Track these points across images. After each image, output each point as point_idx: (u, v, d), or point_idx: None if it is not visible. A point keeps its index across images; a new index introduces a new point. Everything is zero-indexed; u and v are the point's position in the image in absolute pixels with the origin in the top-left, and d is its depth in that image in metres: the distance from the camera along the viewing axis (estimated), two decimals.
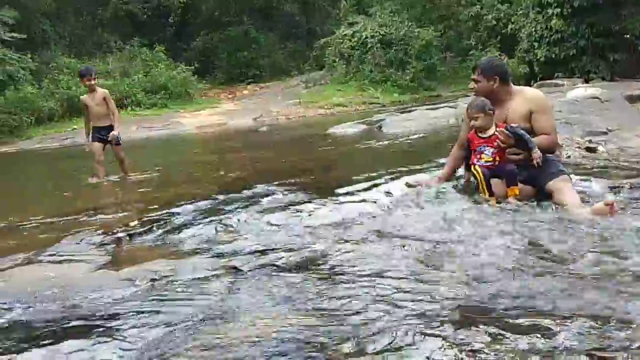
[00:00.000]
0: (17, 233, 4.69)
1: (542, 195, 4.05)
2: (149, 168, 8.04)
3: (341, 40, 22.42)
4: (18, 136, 16.80)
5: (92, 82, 7.25)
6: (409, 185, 4.68)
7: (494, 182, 4.05)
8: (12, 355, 2.21)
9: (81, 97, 7.61)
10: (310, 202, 4.51)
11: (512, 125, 4.03)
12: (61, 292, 2.91)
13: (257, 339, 2.11)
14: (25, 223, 5.04)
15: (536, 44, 17.14)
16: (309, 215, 4.14)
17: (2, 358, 2.19)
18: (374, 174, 5.37)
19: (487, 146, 4.08)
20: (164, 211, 4.64)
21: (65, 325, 2.48)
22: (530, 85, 12.01)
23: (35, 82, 18.58)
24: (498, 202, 3.94)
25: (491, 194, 4.01)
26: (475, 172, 4.08)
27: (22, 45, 19.02)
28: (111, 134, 7.26)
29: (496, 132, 4.04)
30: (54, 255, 3.70)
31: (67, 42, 23.29)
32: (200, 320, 2.40)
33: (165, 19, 27.04)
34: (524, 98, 4.21)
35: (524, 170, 4.07)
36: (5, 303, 2.80)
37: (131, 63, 21.94)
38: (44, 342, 2.30)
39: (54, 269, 3.39)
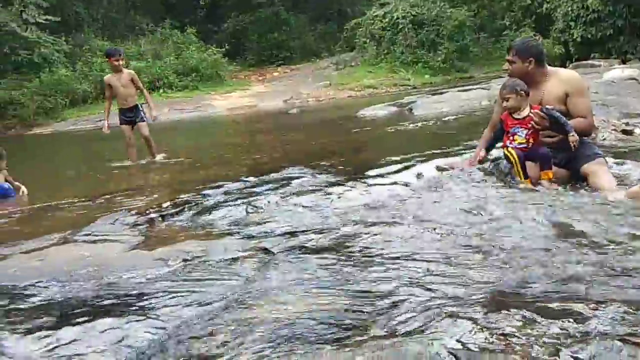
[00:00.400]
0: (54, 213, 4.80)
1: (577, 178, 3.99)
2: (181, 150, 8.13)
3: (372, 21, 22.22)
4: (53, 118, 17.13)
5: (120, 62, 7.28)
6: (440, 169, 4.64)
7: (528, 165, 3.99)
8: (49, 332, 2.27)
9: (105, 77, 7.65)
10: (340, 184, 4.51)
11: (548, 107, 3.96)
12: (96, 271, 2.97)
13: (287, 319, 2.12)
14: (61, 203, 5.15)
15: (572, 24, 16.77)
16: (339, 197, 4.14)
17: (40, 334, 2.25)
18: (405, 157, 5.34)
19: (521, 127, 4.01)
20: (196, 193, 4.69)
21: (99, 304, 2.54)
22: (565, 66, 11.77)
23: (69, 64, 18.85)
24: (532, 185, 3.89)
25: (526, 176, 3.96)
26: (509, 154, 4.01)
27: (56, 28, 19.28)
28: (152, 116, 7.33)
29: (531, 114, 3.97)
30: (89, 235, 3.78)
31: (100, 25, 23.52)
32: (231, 300, 2.42)
33: (197, 1, 27.11)
34: (560, 80, 4.12)
35: (558, 153, 4.01)
36: (42, 281, 2.87)
37: (163, 45, 22.10)
38: (80, 320, 2.35)
39: (89, 248, 3.45)
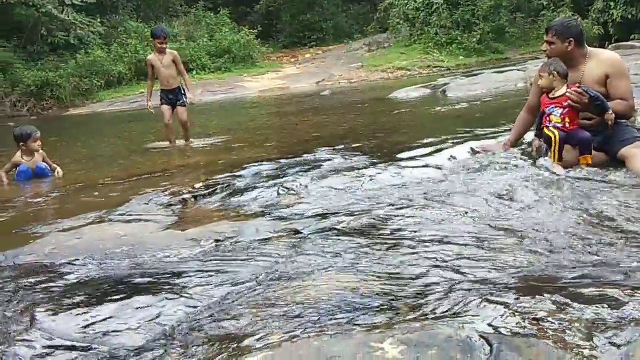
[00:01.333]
0: (90, 193, 4.89)
1: (615, 162, 3.90)
2: (213, 132, 8.19)
3: (406, 2, 21.93)
4: (89, 99, 17.38)
5: (164, 44, 7.29)
6: (474, 152, 4.59)
7: (566, 148, 3.93)
8: (85, 309, 2.32)
9: (148, 57, 7.68)
10: (372, 166, 4.50)
11: (585, 86, 3.89)
12: (130, 250, 3.03)
13: (318, 300, 2.14)
14: (97, 183, 5.25)
15: (612, 4, 16.32)
16: (371, 179, 4.13)
17: (76, 311, 2.31)
18: (437, 139, 5.30)
19: (556, 107, 3.95)
20: (228, 174, 4.73)
21: (134, 282, 2.58)
22: (605, 48, 11.48)
23: (104, 46, 19.07)
24: (567, 169, 3.82)
25: (560, 159, 3.89)
26: (550, 134, 3.94)
27: (92, 10, 19.50)
28: (189, 99, 7.37)
29: (568, 93, 3.89)
30: (124, 214, 3.84)
31: (135, 7, 23.70)
32: (263, 280, 2.45)
33: None
34: (600, 61, 4.03)
35: (595, 135, 3.93)
36: (78, 260, 2.94)
37: (196, 27, 22.20)
38: (115, 298, 2.40)
39: (124, 228, 3.52)
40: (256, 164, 5.05)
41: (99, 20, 19.59)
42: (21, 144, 5.71)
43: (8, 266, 2.95)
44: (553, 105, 3.97)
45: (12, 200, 4.90)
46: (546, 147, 4.04)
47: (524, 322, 1.80)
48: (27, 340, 2.09)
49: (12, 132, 6.10)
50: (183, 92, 7.37)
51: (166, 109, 7.35)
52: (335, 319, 1.98)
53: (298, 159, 5.10)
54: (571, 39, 4.03)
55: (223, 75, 19.39)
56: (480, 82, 10.95)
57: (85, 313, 2.28)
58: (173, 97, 7.34)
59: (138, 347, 1.99)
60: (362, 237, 2.95)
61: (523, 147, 4.47)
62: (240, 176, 4.62)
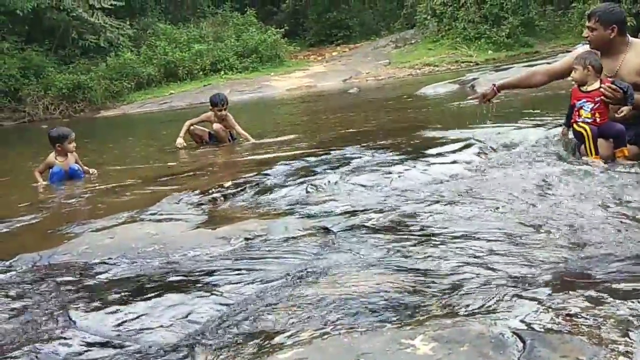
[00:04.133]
0: (122, 193, 4.96)
1: None
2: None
3: None
4: (120, 101, 17.63)
5: (223, 112, 7.22)
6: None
7: (599, 142, 3.86)
8: (119, 307, 2.35)
9: (215, 126, 7.37)
10: (400, 163, 4.47)
11: (619, 81, 3.81)
12: (162, 249, 3.06)
13: (347, 297, 2.14)
14: (128, 183, 5.32)
15: None
16: (399, 176, 4.11)
17: (109, 309, 2.34)
18: (466, 135, 5.24)
19: (587, 102, 3.88)
20: (256, 173, 4.75)
21: (166, 280, 2.61)
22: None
23: (134, 48, 19.32)
24: (604, 163, 3.76)
25: (597, 153, 3.83)
26: (582, 129, 3.87)
27: (121, 13, 19.78)
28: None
29: (602, 89, 3.82)
30: (155, 214, 3.89)
31: (163, 8, 23.96)
32: (292, 278, 2.45)
33: None
34: None
35: (628, 129, 3.85)
36: (111, 259, 2.98)
37: (223, 27, 22.34)
38: (147, 296, 2.43)
39: (155, 227, 3.56)
40: (284, 162, 5.06)
41: (127, 22, 19.85)
42: (57, 144, 5.81)
43: (43, 266, 3.01)
44: (584, 99, 3.89)
45: (45, 201, 4.99)
46: (577, 142, 3.98)
47: (558, 318, 1.77)
48: (63, 338, 2.13)
49: (46, 134, 6.21)
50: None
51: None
52: (365, 315, 1.98)
53: (326, 157, 5.10)
54: (614, 26, 3.92)
55: (250, 75, 19.48)
56: (509, 76, 10.79)
57: (118, 311, 2.32)
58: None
59: (170, 344, 2.02)
60: (391, 233, 2.94)
61: (554, 140, 4.40)
62: (268, 174, 4.64)
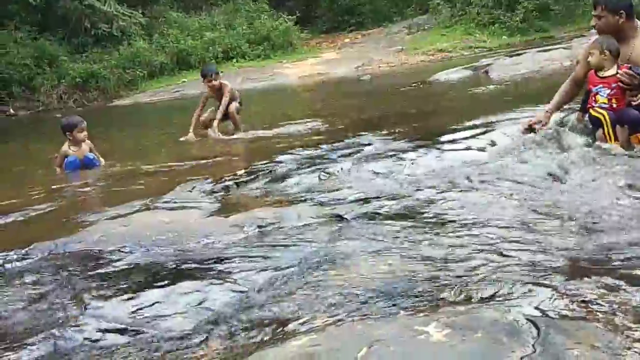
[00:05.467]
0: (136, 181, 4.99)
1: None
2: (254, 119, 8.23)
3: None
4: (132, 89, 17.66)
5: (213, 82, 7.23)
6: (526, 129, 4.41)
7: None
8: (134, 294, 2.37)
9: (204, 93, 7.49)
10: (413, 150, 4.45)
11: (636, 67, 3.76)
12: (176, 237, 3.08)
13: (360, 285, 2.14)
14: (143, 172, 5.35)
15: None
16: (412, 163, 4.10)
17: (125, 297, 2.36)
18: (479, 121, 5.21)
19: (604, 87, 3.84)
20: (269, 160, 4.75)
21: (180, 268, 2.63)
22: None
23: (146, 37, 19.32)
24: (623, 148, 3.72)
25: (616, 138, 3.79)
26: (599, 115, 3.83)
27: (133, 1, 19.76)
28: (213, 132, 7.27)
29: (619, 74, 3.77)
30: (169, 202, 3.90)
31: None
32: (306, 265, 2.46)
33: None
34: None
35: None
36: (126, 247, 3.00)
37: (235, 15, 22.27)
38: (162, 283, 2.45)
39: (169, 215, 3.57)
40: (297, 150, 5.05)
41: (140, 11, 19.83)
42: (67, 134, 5.83)
43: (59, 254, 3.03)
44: (601, 85, 3.86)
45: (60, 189, 5.03)
46: (594, 127, 3.94)
47: (572, 304, 1.76)
48: (79, 325, 2.15)
49: (59, 123, 6.23)
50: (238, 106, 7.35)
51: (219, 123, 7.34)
52: (379, 302, 1.98)
53: (338, 144, 5.09)
54: (621, 11, 3.87)
55: (262, 62, 19.42)
56: (524, 61, 10.69)
57: (133, 298, 2.34)
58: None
59: (185, 331, 2.03)
60: (404, 221, 2.93)
61: (570, 126, 4.35)
62: (281, 162, 4.64)
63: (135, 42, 18.52)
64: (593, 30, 4.53)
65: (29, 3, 16.78)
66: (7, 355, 1.99)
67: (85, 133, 5.88)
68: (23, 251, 3.09)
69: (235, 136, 7.30)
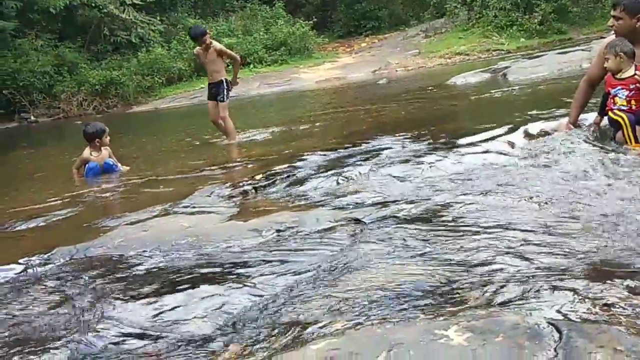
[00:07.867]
0: (155, 186, 5.03)
1: None
2: (272, 123, 8.25)
3: None
4: (151, 96, 17.82)
5: (206, 42, 7.41)
6: (544, 134, 4.40)
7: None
8: (154, 298, 2.39)
9: (195, 49, 7.85)
10: (431, 153, 4.44)
11: None
12: (195, 241, 3.09)
13: (380, 288, 2.13)
14: (161, 177, 5.39)
15: None
16: (430, 166, 4.08)
17: (145, 301, 2.38)
18: (498, 124, 5.17)
19: (622, 89, 3.80)
20: (287, 165, 4.76)
21: (199, 272, 2.64)
22: None
23: (164, 44, 19.49)
24: None
25: (637, 140, 3.75)
26: (618, 118, 3.81)
27: (151, 8, 19.96)
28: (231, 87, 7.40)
29: (637, 75, 3.74)
30: (188, 207, 3.93)
31: (192, 3, 24.10)
32: (324, 269, 2.46)
33: None
34: None
35: None
36: (146, 251, 3.03)
37: (252, 21, 22.39)
38: (181, 287, 2.46)
39: (188, 219, 3.60)
40: (315, 154, 5.06)
41: (158, 18, 20.02)
42: (97, 139, 5.89)
43: (80, 258, 3.07)
44: (619, 87, 3.83)
45: (81, 195, 5.08)
46: (614, 130, 3.90)
47: (595, 308, 1.74)
48: (100, 329, 2.17)
49: (80, 130, 6.29)
50: (225, 87, 7.37)
51: (210, 105, 7.46)
52: (398, 306, 1.97)
53: (356, 148, 5.09)
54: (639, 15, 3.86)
55: (280, 68, 19.50)
56: (542, 64, 10.62)
57: (153, 302, 2.35)
58: (215, 90, 7.42)
59: (205, 335, 2.04)
60: (423, 224, 2.92)
61: (589, 129, 4.31)
62: (299, 166, 4.65)
63: (153, 49, 18.70)
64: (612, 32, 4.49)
65: (50, 12, 17.00)
66: (29, 359, 2.01)
67: (109, 138, 5.97)
68: (45, 256, 3.13)
69: (234, 137, 7.28)
